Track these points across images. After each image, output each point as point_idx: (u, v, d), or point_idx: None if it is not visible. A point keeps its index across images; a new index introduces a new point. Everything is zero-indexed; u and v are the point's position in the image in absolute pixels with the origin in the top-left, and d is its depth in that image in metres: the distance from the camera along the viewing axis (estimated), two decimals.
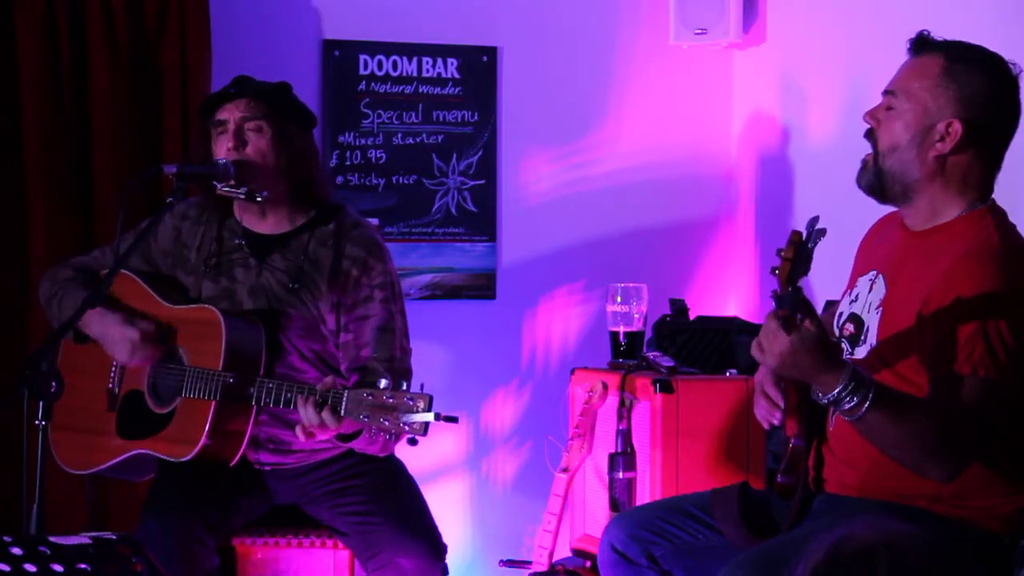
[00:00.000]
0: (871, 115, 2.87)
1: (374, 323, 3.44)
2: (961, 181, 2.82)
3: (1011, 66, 2.84)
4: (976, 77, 2.79)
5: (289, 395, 3.22)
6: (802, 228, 2.62)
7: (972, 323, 2.65)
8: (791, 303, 2.58)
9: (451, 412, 3.06)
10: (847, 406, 2.62)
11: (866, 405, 2.61)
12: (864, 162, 2.88)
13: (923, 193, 2.83)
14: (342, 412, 3.11)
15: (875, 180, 2.85)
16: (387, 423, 3.03)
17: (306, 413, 3.15)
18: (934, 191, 2.82)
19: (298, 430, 3.21)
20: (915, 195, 2.84)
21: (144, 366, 3.45)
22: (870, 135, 2.87)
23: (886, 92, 2.87)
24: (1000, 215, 2.84)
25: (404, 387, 3.05)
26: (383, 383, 3.05)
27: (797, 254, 2.57)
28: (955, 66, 2.79)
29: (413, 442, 3.03)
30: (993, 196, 2.87)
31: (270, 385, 3.25)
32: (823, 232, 2.61)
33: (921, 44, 2.86)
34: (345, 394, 3.11)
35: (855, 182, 2.90)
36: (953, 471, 2.69)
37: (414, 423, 3.01)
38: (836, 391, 2.61)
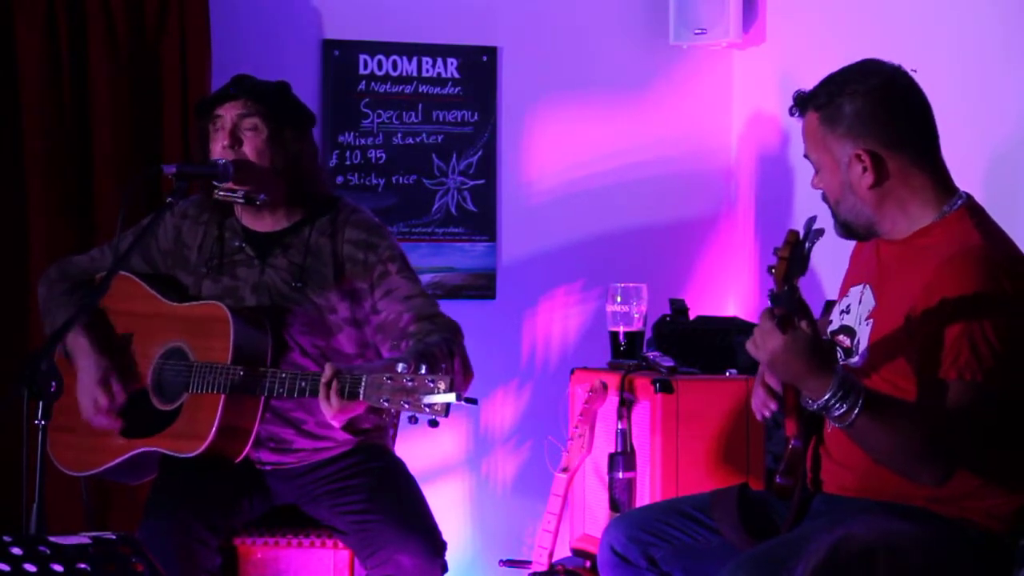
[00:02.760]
0: (814, 184, 2.93)
1: (401, 293, 3.43)
2: (908, 191, 2.83)
3: (882, 63, 2.85)
4: (847, 106, 2.81)
5: (304, 384, 3.21)
6: (800, 228, 2.63)
7: (957, 327, 2.66)
8: (787, 302, 2.59)
9: (458, 404, 3.04)
10: (836, 412, 2.63)
11: (855, 412, 2.62)
12: (832, 213, 2.94)
13: (883, 220, 2.86)
14: (361, 396, 3.09)
15: (843, 230, 2.93)
16: (408, 405, 3.01)
17: (326, 395, 3.13)
18: (891, 212, 2.85)
19: (323, 408, 3.16)
20: (878, 225, 2.87)
21: (147, 366, 3.45)
22: (824, 198, 2.93)
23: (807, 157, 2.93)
24: (978, 213, 2.85)
25: (422, 370, 3.03)
26: (401, 367, 3.03)
27: (793, 253, 2.59)
28: (826, 111, 2.83)
29: (434, 423, 3.00)
30: (968, 192, 2.87)
31: (283, 376, 3.25)
32: (821, 232, 2.62)
33: (798, 106, 2.90)
34: (364, 378, 3.09)
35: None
36: (943, 475, 2.70)
37: (435, 405, 3.00)
38: (825, 397, 2.63)
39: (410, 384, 3.01)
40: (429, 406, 2.99)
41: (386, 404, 3.04)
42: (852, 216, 2.87)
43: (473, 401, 3.06)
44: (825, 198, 2.91)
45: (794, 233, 2.61)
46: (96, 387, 3.41)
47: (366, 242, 3.47)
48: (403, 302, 3.42)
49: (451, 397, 2.98)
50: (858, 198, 2.84)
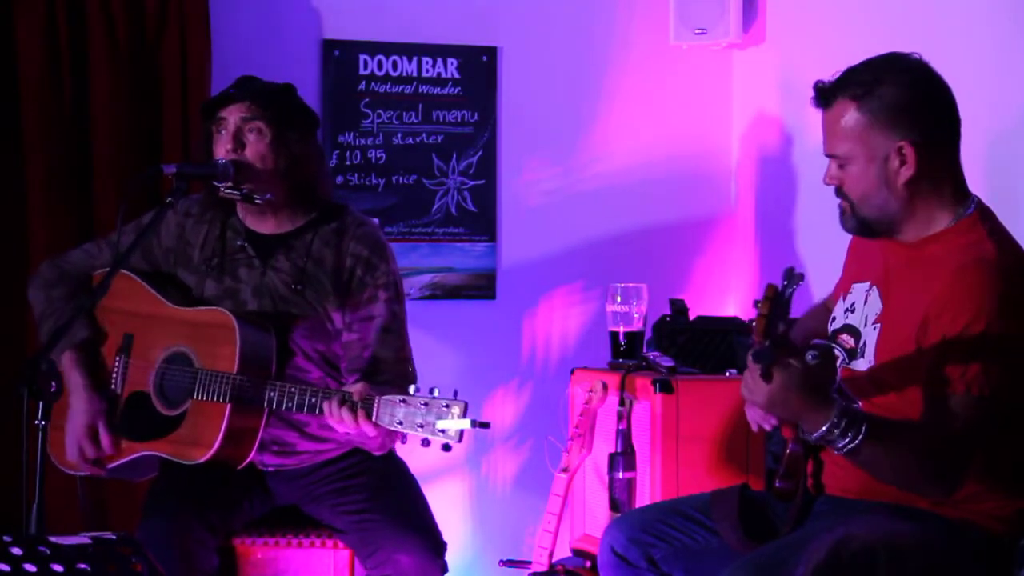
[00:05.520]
0: (829, 178, 2.86)
1: (379, 323, 3.43)
2: (935, 191, 2.80)
3: (910, 57, 2.82)
4: (888, 94, 2.75)
5: (314, 400, 3.20)
6: (779, 280, 2.58)
7: (967, 341, 2.64)
8: (769, 357, 2.56)
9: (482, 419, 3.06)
10: (839, 444, 2.62)
11: (858, 440, 2.61)
12: (842, 209, 2.87)
13: (908, 219, 2.82)
14: (374, 418, 3.10)
15: (859, 226, 2.86)
16: (421, 429, 3.02)
17: (338, 415, 3.13)
18: (916, 211, 2.81)
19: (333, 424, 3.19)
20: (902, 224, 2.83)
21: (149, 370, 3.44)
22: (839, 192, 2.86)
23: (828, 155, 2.85)
24: (991, 220, 2.83)
25: (435, 393, 3.04)
26: (413, 389, 3.04)
27: (772, 309, 2.54)
28: (865, 101, 2.76)
29: (447, 448, 3.02)
30: (978, 195, 2.86)
31: (292, 390, 3.24)
32: (801, 277, 2.56)
33: (824, 96, 2.81)
34: (377, 400, 3.09)
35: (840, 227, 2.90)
36: (950, 490, 2.69)
37: (449, 430, 3.01)
38: (823, 429, 2.61)
39: (424, 408, 3.02)
40: (443, 431, 3.00)
41: (400, 427, 3.05)
42: (877, 213, 2.81)
43: (486, 425, 3.05)
44: (841, 193, 2.85)
45: (772, 288, 2.55)
46: (84, 436, 3.40)
47: (367, 261, 3.46)
48: (377, 332, 3.43)
49: (466, 423, 2.99)
50: (891, 193, 2.78)
